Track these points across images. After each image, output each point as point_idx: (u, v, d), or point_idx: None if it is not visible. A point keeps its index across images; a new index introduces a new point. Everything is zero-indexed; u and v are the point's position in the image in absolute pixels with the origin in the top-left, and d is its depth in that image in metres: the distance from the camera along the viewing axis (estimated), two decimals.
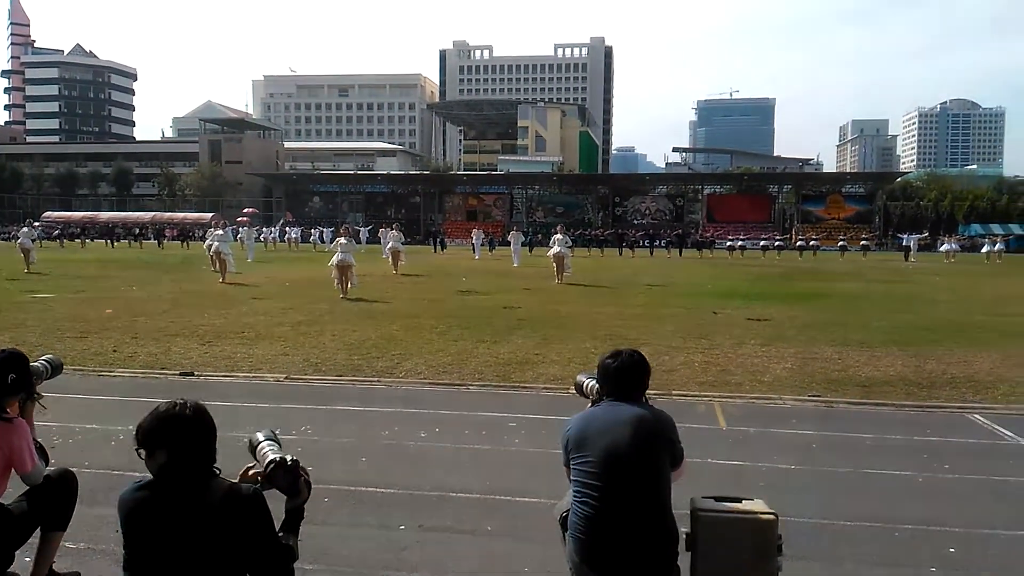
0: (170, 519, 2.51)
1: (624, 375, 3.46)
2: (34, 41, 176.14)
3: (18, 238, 28.99)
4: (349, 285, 19.05)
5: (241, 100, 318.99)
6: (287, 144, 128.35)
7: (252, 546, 2.56)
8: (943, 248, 50.02)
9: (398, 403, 8.13)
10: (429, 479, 5.72)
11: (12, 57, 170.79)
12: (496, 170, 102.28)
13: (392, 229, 30.67)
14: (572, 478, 3.40)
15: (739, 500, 3.41)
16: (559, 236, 25.33)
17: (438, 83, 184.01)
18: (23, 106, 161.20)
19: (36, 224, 62.22)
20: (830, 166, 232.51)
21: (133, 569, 2.59)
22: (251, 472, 2.80)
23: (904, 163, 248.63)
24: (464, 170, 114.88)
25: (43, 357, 4.02)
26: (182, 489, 2.54)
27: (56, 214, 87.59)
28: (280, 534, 2.70)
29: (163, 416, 2.59)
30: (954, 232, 69.24)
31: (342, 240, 20.12)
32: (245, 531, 2.54)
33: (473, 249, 46.01)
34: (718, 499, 3.41)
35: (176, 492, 2.54)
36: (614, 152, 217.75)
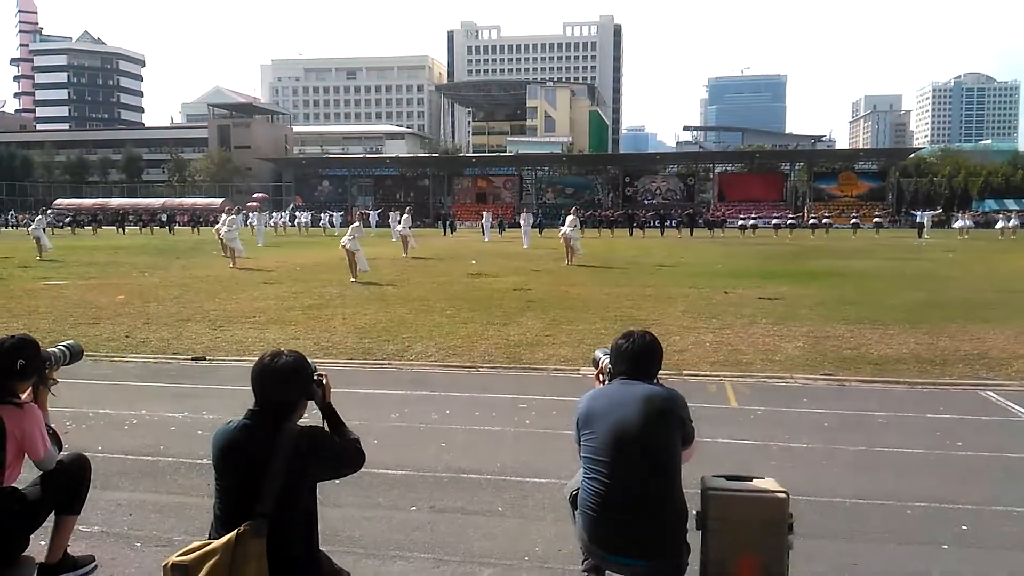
0: (253, 452, 2.87)
1: (636, 356, 3.46)
2: (42, 28, 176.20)
3: (30, 225, 29.15)
4: (359, 269, 19.06)
5: (249, 85, 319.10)
6: (296, 128, 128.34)
7: (324, 462, 3.01)
8: (957, 224, 49.62)
9: (408, 385, 8.14)
10: (440, 460, 5.73)
11: (21, 45, 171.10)
12: (505, 151, 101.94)
13: (404, 213, 30.65)
14: (581, 455, 3.41)
15: (750, 479, 3.40)
16: (570, 217, 25.29)
17: (446, 64, 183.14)
18: (32, 94, 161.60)
19: (48, 211, 62.89)
20: (842, 143, 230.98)
21: (223, 497, 2.95)
22: None
23: (918, 139, 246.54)
24: (473, 152, 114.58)
25: (62, 343, 4.02)
26: (264, 429, 2.91)
27: (67, 201, 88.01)
28: (335, 437, 3.12)
29: (256, 366, 3.02)
30: (968, 208, 68.73)
31: (355, 224, 20.40)
32: (315, 456, 2.95)
33: (483, 231, 45.96)
34: (729, 478, 3.40)
35: (259, 431, 2.92)
36: (624, 132, 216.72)
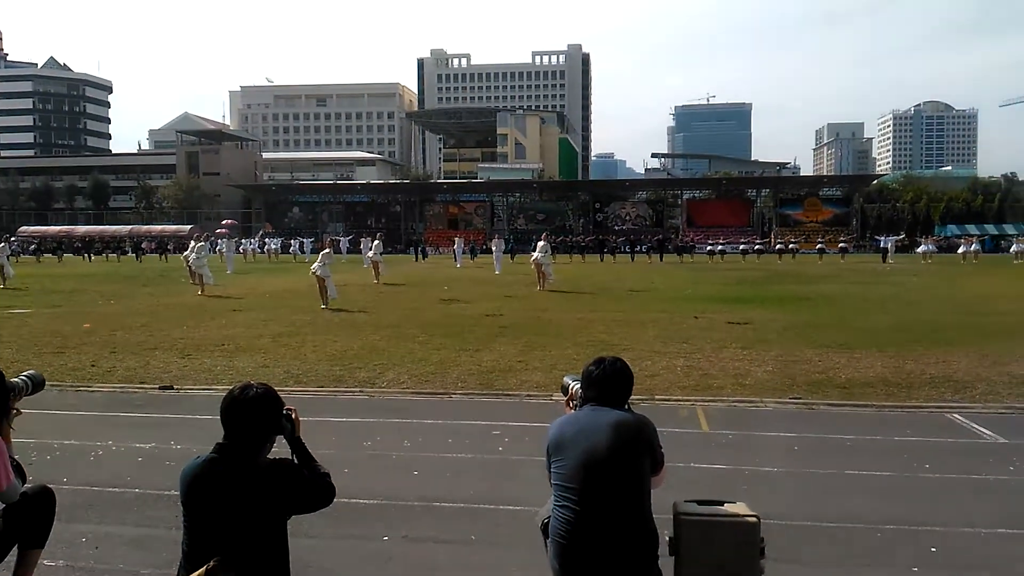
0: (222, 488, 2.86)
1: (606, 382, 3.47)
2: (7, 55, 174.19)
3: None
4: (329, 296, 18.96)
5: (218, 111, 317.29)
6: (265, 155, 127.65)
7: (294, 497, 2.98)
8: (920, 249, 50.51)
9: (381, 413, 8.09)
10: (412, 489, 5.69)
11: None
12: (476, 178, 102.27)
13: (375, 239, 30.59)
14: (552, 482, 3.40)
15: (722, 503, 3.42)
16: (541, 243, 25.40)
17: (416, 92, 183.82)
18: None
19: (12, 239, 61.88)
20: (807, 169, 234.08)
21: (192, 533, 2.91)
22: None
23: (880, 165, 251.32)
24: (444, 178, 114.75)
25: (24, 373, 3.95)
26: (232, 464, 2.90)
27: (32, 228, 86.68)
28: (304, 470, 3.08)
29: (226, 400, 2.99)
30: (930, 233, 70.00)
31: (325, 251, 20.43)
32: (284, 491, 2.94)
33: (455, 257, 45.94)
34: (701, 502, 3.42)
35: (227, 466, 2.90)
36: (594, 158, 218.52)
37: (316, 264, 19.38)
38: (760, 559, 3.27)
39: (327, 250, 20.71)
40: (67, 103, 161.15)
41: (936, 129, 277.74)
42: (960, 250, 49.19)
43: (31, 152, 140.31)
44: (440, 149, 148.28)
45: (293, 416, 3.12)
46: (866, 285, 26.63)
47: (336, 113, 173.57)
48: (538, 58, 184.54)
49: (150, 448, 6.76)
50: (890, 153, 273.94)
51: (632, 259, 51.56)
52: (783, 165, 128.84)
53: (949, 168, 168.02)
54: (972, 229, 70.63)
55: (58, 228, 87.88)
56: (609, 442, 3.25)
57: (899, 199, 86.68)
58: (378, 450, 6.74)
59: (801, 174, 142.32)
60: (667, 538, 3.35)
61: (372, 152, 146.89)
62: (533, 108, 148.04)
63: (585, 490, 3.22)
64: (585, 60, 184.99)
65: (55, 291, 24.74)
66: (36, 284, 27.60)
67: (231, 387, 3.04)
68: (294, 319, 16.22)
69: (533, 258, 25.17)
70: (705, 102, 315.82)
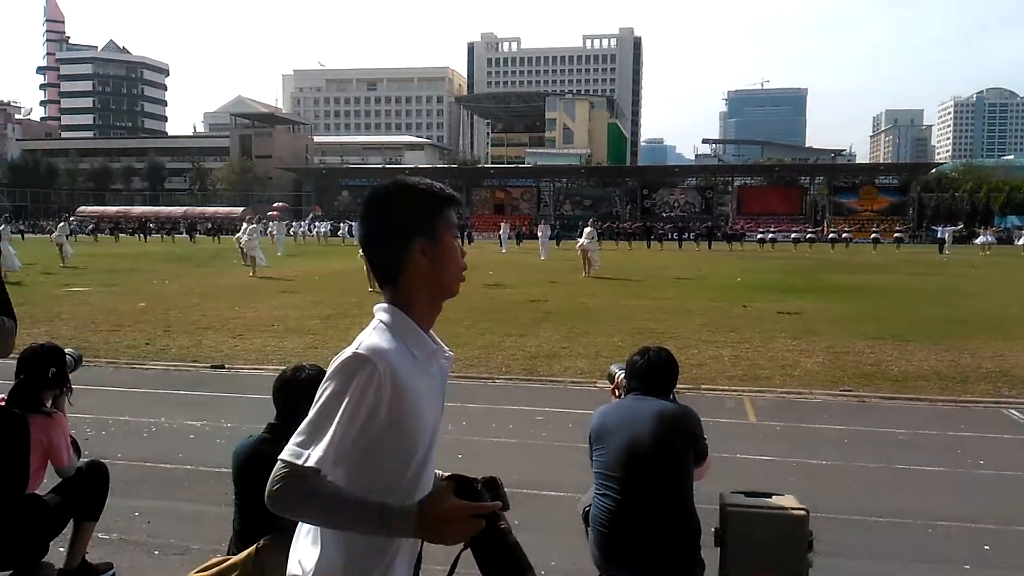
0: (272, 467, 2.79)
1: (651, 372, 3.44)
2: (68, 38, 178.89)
3: (53, 232, 29.53)
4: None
5: (271, 95, 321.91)
6: (316, 138, 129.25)
7: None
8: (979, 240, 49.15)
9: None
10: (456, 471, 5.71)
11: (48, 54, 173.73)
12: (524, 163, 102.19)
13: None
14: (594, 470, 3.39)
15: (769, 495, 3.38)
16: (588, 229, 25.28)
17: (466, 76, 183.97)
18: (58, 102, 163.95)
19: (71, 219, 63.67)
20: (863, 157, 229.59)
21: (243, 512, 2.99)
22: None
23: (939, 154, 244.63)
24: (492, 163, 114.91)
25: (66, 349, 4.05)
26: (284, 443, 2.78)
27: (90, 209, 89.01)
28: None
29: (278, 380, 3.07)
30: (990, 224, 67.98)
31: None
32: None
33: (500, 242, 46.01)
34: (748, 494, 3.38)
35: (279, 446, 2.77)
36: (643, 144, 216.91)
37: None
38: (808, 553, 3.22)
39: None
40: (126, 85, 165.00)
41: (999, 117, 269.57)
42: (1020, 242, 47.81)
43: (90, 134, 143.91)
44: (488, 134, 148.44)
45: None
46: (921, 276, 26.00)
47: (386, 97, 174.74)
48: (589, 42, 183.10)
49: (201, 426, 6.91)
50: (950, 141, 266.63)
51: (680, 246, 51.07)
52: (838, 152, 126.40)
53: (1011, 157, 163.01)
54: None
55: (115, 209, 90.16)
56: (652, 432, 3.22)
57: (958, 188, 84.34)
58: None
59: (857, 162, 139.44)
60: (712, 529, 3.32)
61: (421, 136, 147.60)
62: (583, 92, 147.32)
63: (626, 479, 3.21)
64: (637, 44, 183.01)
65: (112, 270, 25.39)
66: (94, 263, 28.36)
67: (281, 367, 3.09)
68: (342, 301, 16.40)
69: (579, 244, 25.06)
70: (759, 87, 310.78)
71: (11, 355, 2.84)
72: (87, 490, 3.79)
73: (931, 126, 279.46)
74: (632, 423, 3.29)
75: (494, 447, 6.42)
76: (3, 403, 3.57)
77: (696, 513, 3.24)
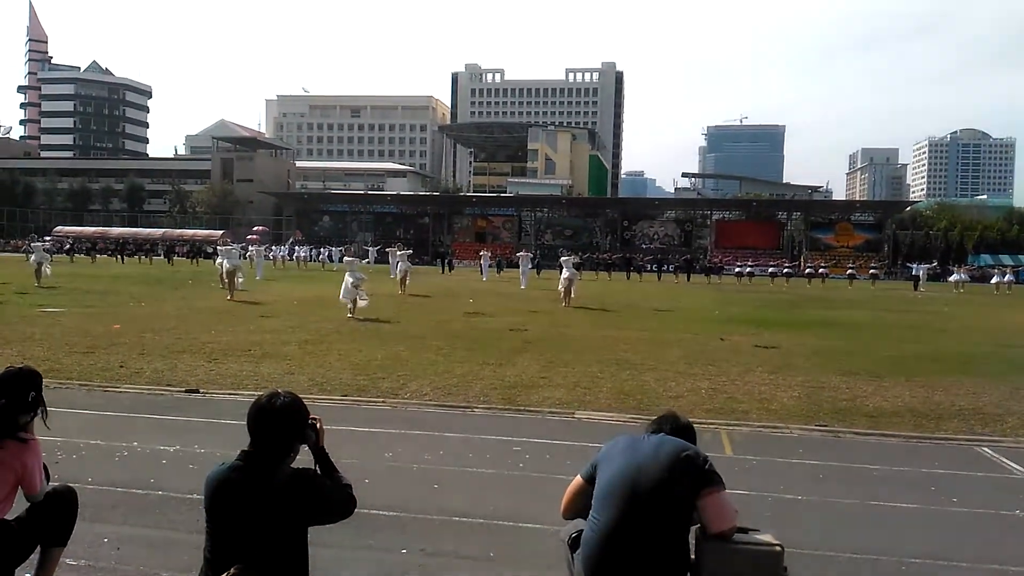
0: (245, 495, 2.88)
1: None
2: (51, 57, 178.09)
3: (31, 252, 29.20)
4: (357, 304, 18.99)
5: (254, 119, 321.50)
6: (298, 163, 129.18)
7: (315, 507, 3.00)
8: (953, 278, 49.82)
9: (402, 424, 8.08)
10: (432, 502, 5.67)
11: (29, 73, 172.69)
12: (505, 192, 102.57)
13: (399, 249, 30.74)
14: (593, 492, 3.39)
15: (745, 531, 3.37)
16: (573, 259, 25.41)
17: (449, 105, 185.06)
18: (38, 121, 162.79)
19: (47, 239, 63.02)
20: (839, 194, 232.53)
21: (214, 539, 2.94)
22: None
23: (914, 192, 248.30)
24: (474, 192, 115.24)
25: None
26: (257, 472, 2.92)
27: (67, 228, 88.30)
28: (327, 481, 3.10)
29: (253, 407, 3.02)
30: (964, 262, 68.99)
31: (347, 258, 21.03)
32: (306, 501, 2.95)
33: (481, 270, 46.04)
34: None
35: (252, 474, 2.92)
36: (623, 176, 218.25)
37: (348, 276, 19.38)
38: None
39: (347, 257, 22.34)
40: (107, 106, 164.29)
41: (972, 157, 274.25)
42: (993, 280, 48.52)
43: (70, 153, 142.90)
44: (471, 163, 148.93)
45: (318, 426, 3.13)
46: (896, 313, 26.29)
47: (369, 124, 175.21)
48: (572, 75, 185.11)
49: (174, 451, 6.81)
50: (924, 180, 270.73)
51: (659, 278, 51.34)
52: (815, 189, 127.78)
53: (984, 197, 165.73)
54: (1006, 259, 69.62)
55: (93, 229, 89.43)
56: (649, 461, 3.24)
57: (932, 227, 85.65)
58: (399, 462, 6.74)
59: (834, 198, 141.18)
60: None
61: (403, 164, 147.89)
62: (565, 124, 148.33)
63: (617, 506, 3.20)
64: (619, 78, 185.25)
65: (88, 291, 25.11)
66: (69, 283, 28.03)
67: (256, 393, 3.07)
68: (320, 327, 16.32)
69: (566, 275, 24.88)
70: (738, 123, 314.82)
71: None
72: (55, 515, 3.71)
73: (906, 165, 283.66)
74: (632, 452, 3.32)
75: (471, 477, 6.38)
76: None
77: (688, 548, 3.24)
